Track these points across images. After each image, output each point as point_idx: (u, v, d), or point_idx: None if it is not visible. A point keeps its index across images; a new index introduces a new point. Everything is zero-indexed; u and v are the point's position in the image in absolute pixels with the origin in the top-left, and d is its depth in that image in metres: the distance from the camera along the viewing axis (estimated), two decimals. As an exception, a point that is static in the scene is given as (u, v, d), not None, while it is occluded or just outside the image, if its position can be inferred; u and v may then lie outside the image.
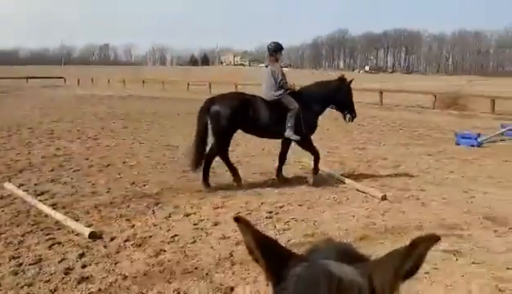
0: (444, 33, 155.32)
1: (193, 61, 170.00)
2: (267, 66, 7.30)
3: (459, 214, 5.59)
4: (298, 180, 7.07)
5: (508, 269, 4.06)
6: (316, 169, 7.03)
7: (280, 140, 7.21)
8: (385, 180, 7.22)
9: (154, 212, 5.57)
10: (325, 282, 0.65)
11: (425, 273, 3.91)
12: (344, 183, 6.92)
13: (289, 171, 7.47)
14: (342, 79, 7.16)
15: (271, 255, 0.73)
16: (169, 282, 3.75)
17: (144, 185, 6.81)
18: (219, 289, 3.62)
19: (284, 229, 5.03)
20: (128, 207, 5.77)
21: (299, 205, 5.93)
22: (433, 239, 0.71)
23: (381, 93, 21.88)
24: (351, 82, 7.20)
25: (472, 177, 7.52)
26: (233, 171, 6.89)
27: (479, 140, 10.69)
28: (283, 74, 6.92)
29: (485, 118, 16.01)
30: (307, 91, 7.14)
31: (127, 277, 3.84)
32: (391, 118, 16.39)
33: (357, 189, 6.60)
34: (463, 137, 10.79)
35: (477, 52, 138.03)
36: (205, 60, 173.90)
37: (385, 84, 36.14)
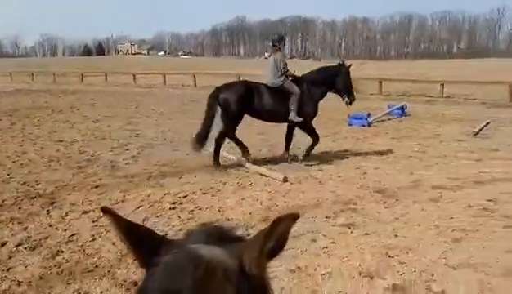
0: (336, 19, 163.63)
1: (86, 51, 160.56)
2: (270, 55, 7.81)
3: (353, 190, 5.99)
4: (204, 169, 7.05)
5: (396, 236, 4.44)
6: (309, 150, 7.46)
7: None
8: (287, 163, 7.46)
9: (48, 212, 5.23)
10: (190, 267, 0.66)
11: (324, 247, 4.16)
12: (248, 168, 7.06)
13: (193, 162, 7.42)
14: (341, 65, 7.55)
15: (140, 243, 0.72)
16: (68, 284, 3.56)
17: (37, 185, 6.35)
18: (122, 285, 3.52)
19: (188, 219, 5.00)
20: (20, 208, 5.35)
21: (204, 193, 5.93)
22: (293, 217, 0.73)
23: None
24: (349, 67, 7.54)
25: (364, 155, 8.07)
26: (243, 148, 7.27)
27: (369, 120, 11.50)
28: (285, 63, 7.33)
29: (374, 99, 17.20)
30: (308, 77, 7.49)
31: (21, 282, 3.58)
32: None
33: (260, 174, 6.76)
34: (355, 118, 11.52)
35: (366, 38, 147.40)
36: (100, 50, 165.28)
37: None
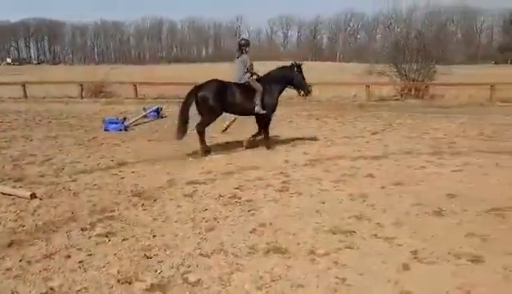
0: (87, 22, 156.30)
1: None
2: (237, 57, 8.74)
3: (110, 196, 5.81)
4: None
5: (154, 236, 4.50)
6: (252, 138, 8.90)
7: None
8: (35, 178, 6.76)
9: None
10: None
11: (79, 262, 3.91)
12: None
13: None
14: (294, 64, 8.84)
15: None
16: None
17: None
18: None
19: None
20: None
21: None
22: None
23: (24, 86, 20.33)
24: (301, 65, 8.87)
25: (120, 159, 7.92)
26: (203, 143, 8.30)
27: (126, 124, 11.38)
28: (251, 63, 8.62)
29: (130, 103, 17.13)
30: (268, 76, 8.79)
31: None
32: (38, 111, 15.46)
33: (3, 193, 5.93)
34: (111, 123, 11.24)
35: (119, 42, 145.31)
36: None
37: (30, 76, 33.66)
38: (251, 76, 8.63)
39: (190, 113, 8.22)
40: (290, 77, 8.84)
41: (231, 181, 6.46)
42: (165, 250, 4.16)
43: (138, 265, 3.86)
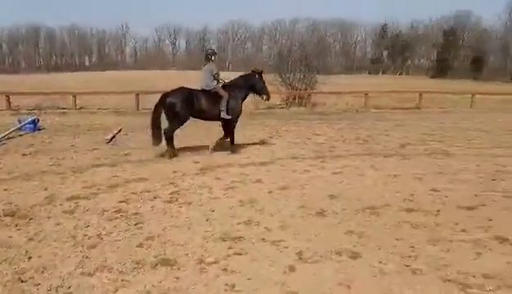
0: None
1: None
2: (204, 65, 9.13)
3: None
4: None
5: (30, 258, 4.13)
6: (219, 141, 9.27)
7: None
8: None
9: None
10: None
11: None
12: None
13: None
14: (254, 71, 9.37)
15: None
16: None
17: None
18: None
19: None
20: None
21: None
22: None
23: None
24: (261, 72, 9.40)
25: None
26: (171, 145, 8.76)
27: (-4, 137, 10.34)
28: (218, 71, 8.99)
29: (2, 114, 15.63)
30: (233, 83, 9.23)
31: None
32: None
33: None
34: (-22, 137, 10.12)
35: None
36: None
37: None
38: (217, 83, 9.02)
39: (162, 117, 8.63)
40: (253, 84, 9.35)
41: (116, 195, 6.16)
42: (42, 272, 3.83)
43: (11, 290, 3.50)
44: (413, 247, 4.43)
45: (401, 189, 6.58)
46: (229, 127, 9.28)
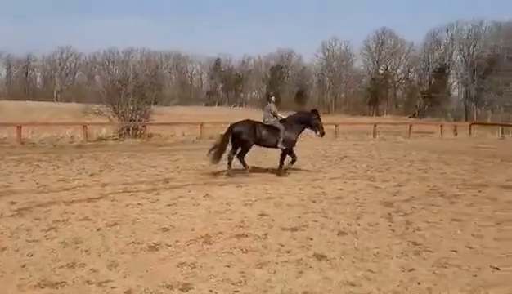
0: None
1: None
2: (266, 104, 11.29)
3: None
4: None
5: None
6: (282, 164, 10.88)
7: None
8: None
9: None
10: None
11: None
12: None
13: None
14: (313, 111, 11.35)
15: None
16: None
17: None
18: None
19: None
20: None
21: None
22: None
23: None
24: (318, 112, 11.27)
25: None
26: (245, 165, 10.63)
27: None
28: (276, 109, 10.87)
29: None
30: (290, 118, 11.00)
31: None
32: None
33: None
34: None
35: None
36: None
37: None
38: (276, 119, 10.71)
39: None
40: (308, 120, 10.93)
41: None
42: None
43: None
44: (243, 272, 4.55)
45: (232, 216, 6.77)
46: (288, 154, 10.77)
